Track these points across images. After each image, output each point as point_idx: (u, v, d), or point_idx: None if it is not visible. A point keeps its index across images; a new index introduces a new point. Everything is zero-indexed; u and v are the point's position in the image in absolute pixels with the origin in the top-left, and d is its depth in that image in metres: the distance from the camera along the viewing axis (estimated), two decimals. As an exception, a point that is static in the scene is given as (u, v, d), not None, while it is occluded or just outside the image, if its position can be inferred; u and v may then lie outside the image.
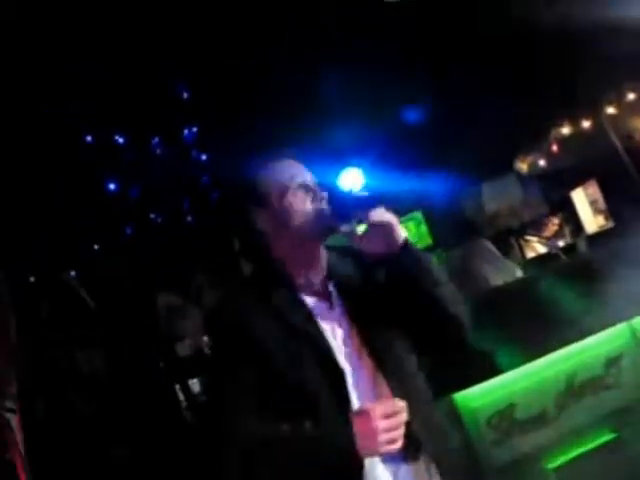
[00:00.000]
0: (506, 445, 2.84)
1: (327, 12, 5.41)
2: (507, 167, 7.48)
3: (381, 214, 1.70)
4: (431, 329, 1.79)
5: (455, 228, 5.33)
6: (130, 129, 6.05)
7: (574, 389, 2.99)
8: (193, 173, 6.22)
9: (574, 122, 6.54)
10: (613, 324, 3.19)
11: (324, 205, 1.77)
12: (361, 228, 1.73)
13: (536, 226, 7.53)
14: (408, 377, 1.73)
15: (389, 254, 1.71)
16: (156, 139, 6.13)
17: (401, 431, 1.54)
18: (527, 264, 6.97)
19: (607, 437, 2.96)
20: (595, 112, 6.34)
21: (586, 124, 6.46)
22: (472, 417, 2.85)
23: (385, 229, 1.70)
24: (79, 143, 5.89)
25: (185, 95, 6.00)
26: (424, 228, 8.17)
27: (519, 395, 2.92)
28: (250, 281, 1.90)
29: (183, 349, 5.57)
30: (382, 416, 1.52)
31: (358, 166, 7.24)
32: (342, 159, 7.04)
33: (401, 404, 1.56)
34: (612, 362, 3.10)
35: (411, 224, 8.05)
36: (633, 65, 5.72)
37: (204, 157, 6.24)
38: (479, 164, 7.05)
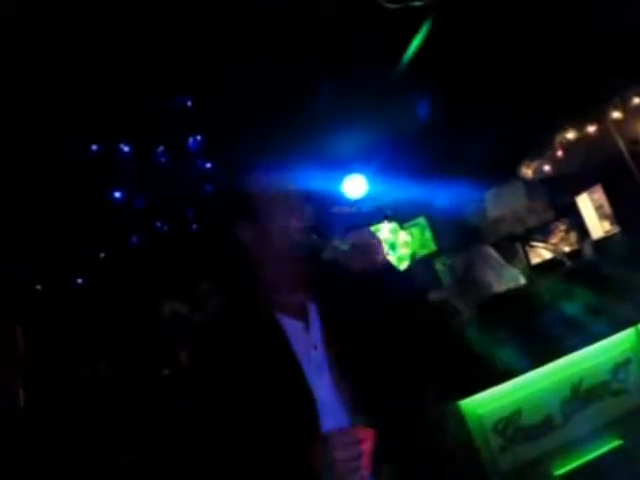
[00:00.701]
0: (512, 451, 2.83)
1: (328, 18, 5.42)
2: (512, 173, 7.46)
3: (362, 235, 1.70)
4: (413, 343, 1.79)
5: (459, 234, 5.34)
6: (135, 138, 6.06)
7: (580, 395, 2.98)
8: (198, 182, 6.23)
9: (579, 127, 6.52)
10: (620, 329, 3.18)
11: (309, 222, 1.76)
12: (344, 246, 1.72)
13: (541, 232, 7.51)
14: (381, 400, 1.69)
15: (370, 272, 1.71)
16: (161, 148, 6.14)
17: (361, 461, 1.50)
18: (532, 270, 6.96)
19: (613, 444, 2.94)
20: (600, 117, 6.32)
21: (591, 129, 6.44)
22: (478, 423, 2.84)
23: (366, 249, 1.70)
24: (84, 152, 5.91)
25: (189, 104, 6.01)
26: (428, 234, 8.16)
27: (525, 401, 2.90)
28: (232, 298, 1.88)
29: (186, 358, 5.57)
30: (341, 446, 1.49)
31: (362, 173, 7.25)
32: (345, 166, 7.05)
33: (365, 433, 1.52)
34: (619, 367, 3.09)
35: (415, 230, 8.03)
36: (638, 68, 5.71)
37: (208, 166, 6.25)
38: (483, 170, 7.04)
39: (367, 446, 1.51)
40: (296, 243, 1.73)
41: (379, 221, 1.57)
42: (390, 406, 1.70)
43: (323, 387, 1.68)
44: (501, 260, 4.65)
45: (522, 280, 4.65)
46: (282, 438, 1.58)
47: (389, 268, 1.75)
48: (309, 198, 1.81)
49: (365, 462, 1.50)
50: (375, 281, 1.72)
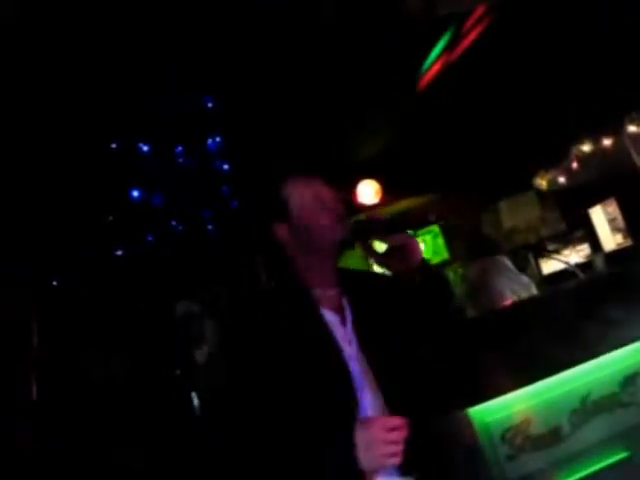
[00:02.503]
0: (519, 460, 2.85)
1: (347, 22, 5.46)
2: (526, 183, 7.48)
3: (400, 237, 1.75)
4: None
5: (472, 243, 5.36)
6: (154, 137, 6.11)
7: (589, 406, 3.00)
8: (215, 183, 6.28)
9: (595, 140, 6.53)
10: (630, 342, 3.20)
11: (343, 221, 1.81)
12: (381, 246, 1.77)
13: (554, 243, 7.52)
14: (409, 396, 1.76)
15: (406, 272, 1.75)
16: (180, 148, 6.19)
17: (401, 446, 1.57)
18: (544, 280, 6.97)
19: (620, 456, 2.96)
20: (616, 130, 6.33)
21: (607, 142, 6.45)
22: (486, 431, 2.87)
23: (404, 251, 1.75)
24: (104, 150, 5.97)
25: (210, 105, 6.06)
26: (441, 241, 8.17)
27: (534, 411, 2.93)
28: (270, 294, 1.94)
29: (200, 356, 5.61)
30: (384, 428, 1.56)
31: (375, 179, 7.28)
32: (361, 171, 7.08)
33: (403, 420, 1.59)
34: (628, 380, 3.11)
35: (428, 237, 8.06)
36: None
37: (227, 167, 6.29)
38: (498, 180, 7.06)
39: (404, 433, 1.58)
40: (332, 240, 1.78)
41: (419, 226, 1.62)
42: (417, 408, 1.76)
43: (356, 378, 1.74)
44: (515, 270, 4.67)
45: (534, 290, 4.67)
46: (323, 419, 1.66)
47: (428, 268, 1.80)
48: (345, 200, 1.87)
49: (400, 449, 1.57)
50: (412, 281, 1.77)
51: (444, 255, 8.12)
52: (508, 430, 2.87)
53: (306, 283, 1.84)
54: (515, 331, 3.05)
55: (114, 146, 6.09)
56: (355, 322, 1.82)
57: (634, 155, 6.32)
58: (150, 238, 6.16)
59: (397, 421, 1.58)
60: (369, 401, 1.73)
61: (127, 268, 6.11)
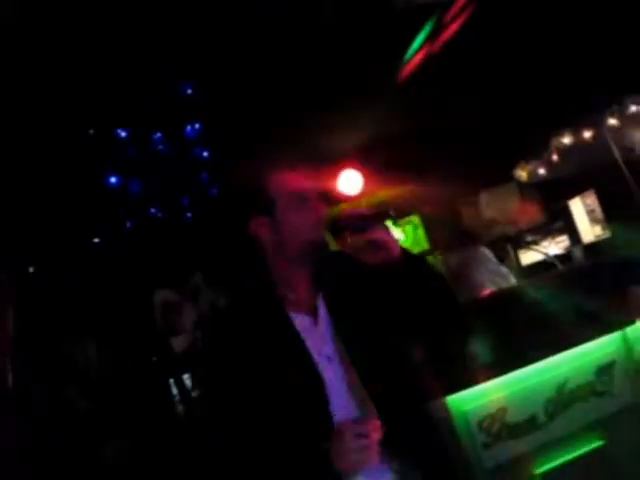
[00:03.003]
0: (496, 448, 2.86)
1: (328, 11, 5.43)
2: (506, 175, 7.51)
3: (377, 234, 1.73)
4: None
5: (452, 233, 5.37)
6: (132, 123, 6.06)
7: (564, 395, 3.02)
8: (194, 170, 6.24)
9: (576, 132, 6.56)
10: (606, 332, 3.22)
11: (324, 218, 1.79)
12: (359, 242, 1.75)
13: (533, 234, 7.57)
14: (389, 389, 1.74)
15: (385, 265, 1.74)
16: (158, 134, 6.14)
17: (373, 449, 1.56)
18: (523, 271, 7.01)
19: (594, 444, 2.98)
20: (597, 123, 6.36)
21: (587, 135, 6.47)
22: (464, 420, 2.87)
23: (380, 246, 1.73)
24: (80, 136, 5.90)
25: (189, 91, 6.01)
26: (421, 232, 8.19)
27: (511, 399, 2.94)
28: (243, 294, 1.91)
29: (178, 344, 5.60)
30: (353, 436, 1.55)
31: (357, 169, 7.27)
32: (342, 162, 7.06)
33: (375, 423, 1.58)
34: (604, 369, 3.13)
35: (408, 228, 8.07)
36: (637, 77, 5.75)
37: (206, 154, 6.25)
38: (478, 170, 7.07)
39: (377, 437, 1.57)
40: (310, 240, 1.76)
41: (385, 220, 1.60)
42: (397, 400, 1.75)
43: (333, 380, 1.72)
44: (495, 260, 4.68)
45: (513, 281, 4.69)
46: (295, 427, 1.64)
47: (406, 259, 1.78)
48: (324, 197, 1.84)
49: (374, 452, 1.57)
50: (392, 275, 1.75)
51: (424, 245, 8.14)
52: (485, 418, 2.88)
53: (278, 283, 1.82)
54: (492, 321, 3.06)
55: (91, 132, 6.03)
56: (332, 321, 1.80)
57: (613, 148, 6.35)
58: (128, 225, 6.11)
59: (367, 426, 1.57)
60: (344, 401, 1.72)
61: (105, 255, 6.07)
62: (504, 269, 4.79)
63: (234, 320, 1.80)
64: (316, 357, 1.73)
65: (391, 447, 1.65)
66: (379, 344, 1.77)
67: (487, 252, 4.76)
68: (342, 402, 1.71)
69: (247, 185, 1.91)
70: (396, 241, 1.76)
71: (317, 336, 1.77)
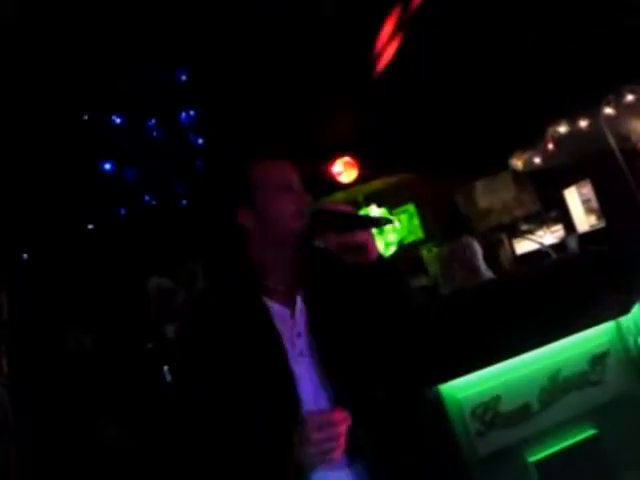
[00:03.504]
0: (489, 436, 2.86)
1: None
2: (502, 164, 7.50)
3: (359, 236, 1.72)
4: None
5: (447, 222, 5.37)
6: (127, 109, 6.03)
7: (558, 384, 3.02)
8: (189, 157, 6.22)
9: (571, 121, 6.54)
10: (601, 322, 3.22)
11: (307, 209, 1.78)
12: (338, 240, 1.73)
13: (528, 223, 7.57)
14: (359, 387, 1.74)
15: (363, 265, 1.73)
16: (153, 121, 6.11)
17: (337, 442, 1.53)
18: (517, 260, 7.02)
19: (587, 433, 2.99)
20: (593, 112, 6.35)
21: (583, 124, 6.46)
22: (457, 408, 2.88)
23: (360, 247, 1.72)
24: (76, 121, 5.87)
25: (184, 78, 5.98)
26: (416, 221, 8.19)
27: (504, 388, 2.94)
28: (220, 282, 1.90)
29: (172, 331, 5.59)
30: (316, 428, 1.53)
31: (352, 157, 7.27)
32: (336, 150, 7.06)
33: (341, 415, 1.55)
34: (597, 359, 3.13)
35: (403, 217, 8.07)
36: (633, 66, 5.74)
37: (200, 141, 6.23)
38: (474, 160, 7.07)
39: (342, 428, 1.54)
40: (292, 230, 1.75)
41: (375, 224, 1.59)
42: (370, 395, 1.75)
43: (304, 373, 1.72)
44: (477, 255, 4.64)
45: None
46: (263, 419, 1.63)
47: (382, 264, 1.78)
48: (309, 187, 1.83)
49: (340, 443, 1.54)
50: (367, 275, 1.75)
51: (419, 234, 8.14)
52: (478, 407, 2.88)
53: (259, 272, 1.80)
54: (486, 309, 3.06)
55: (86, 118, 6.00)
56: (309, 314, 1.79)
57: (609, 137, 6.34)
58: (122, 212, 6.10)
59: (332, 417, 1.54)
60: (313, 394, 1.71)
61: (99, 242, 6.06)
62: (483, 266, 4.77)
63: (209, 306, 1.78)
64: (289, 349, 1.72)
65: (357, 445, 1.63)
66: (351, 345, 1.76)
67: (472, 244, 4.74)
68: (312, 397, 1.70)
69: (230, 173, 1.90)
70: (375, 244, 1.76)
71: (292, 328, 1.76)
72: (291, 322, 1.77)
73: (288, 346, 1.72)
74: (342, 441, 1.54)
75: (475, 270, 4.31)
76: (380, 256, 1.78)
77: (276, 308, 1.77)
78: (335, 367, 1.72)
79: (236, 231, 1.82)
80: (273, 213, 1.77)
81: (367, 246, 1.73)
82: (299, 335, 1.75)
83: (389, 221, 1.79)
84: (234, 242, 1.84)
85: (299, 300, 1.80)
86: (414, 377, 2.64)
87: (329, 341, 1.74)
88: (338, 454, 1.55)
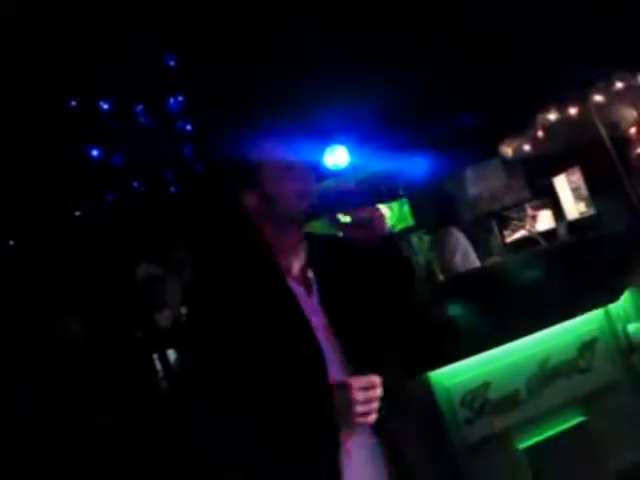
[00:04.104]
0: (478, 424, 2.87)
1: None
2: (492, 151, 7.49)
3: (368, 211, 1.72)
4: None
5: (438, 210, 5.34)
6: (115, 95, 5.98)
7: (547, 371, 3.03)
8: (177, 143, 6.18)
9: (561, 109, 6.53)
10: (588, 309, 3.23)
11: (313, 188, 1.78)
12: (346, 218, 1.74)
13: (517, 210, 7.58)
14: (373, 365, 1.73)
15: (371, 244, 1.73)
16: (140, 106, 6.06)
17: (376, 405, 1.59)
18: (506, 247, 7.03)
19: (577, 420, 3.01)
20: (582, 99, 6.34)
21: (573, 111, 6.45)
22: (446, 395, 2.88)
23: (368, 223, 1.72)
24: (63, 107, 5.82)
25: (172, 63, 5.94)
26: (406, 208, 8.18)
27: (493, 375, 2.95)
28: (233, 262, 1.86)
29: (162, 319, 5.56)
30: (360, 388, 1.57)
31: (344, 144, 7.24)
32: (328, 137, 7.02)
33: (377, 379, 1.61)
34: (586, 346, 3.15)
35: (394, 204, 8.05)
36: (623, 53, 5.74)
37: (189, 127, 6.19)
38: (464, 147, 7.06)
39: (379, 392, 1.60)
40: (301, 209, 1.75)
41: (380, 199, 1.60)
42: (383, 371, 1.73)
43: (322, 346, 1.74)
44: (463, 245, 4.61)
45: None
46: (294, 394, 1.64)
47: (391, 241, 1.79)
48: (314, 167, 1.83)
49: (376, 407, 1.60)
50: (377, 252, 1.76)
51: (409, 222, 8.13)
52: (467, 394, 2.89)
53: (272, 254, 1.80)
54: (476, 297, 3.05)
55: (73, 104, 5.94)
56: (321, 292, 1.80)
57: (599, 125, 6.34)
58: (110, 198, 6.06)
59: (371, 379, 1.60)
60: (335, 371, 1.71)
61: (86, 228, 6.02)
62: (471, 256, 4.76)
63: (227, 286, 1.75)
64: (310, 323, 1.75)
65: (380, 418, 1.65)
66: (363, 321, 1.77)
67: (457, 235, 4.72)
68: (333, 370, 1.71)
69: (231, 156, 1.89)
70: (383, 219, 1.76)
71: (310, 306, 1.77)
72: (308, 299, 1.78)
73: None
74: (376, 406, 1.60)
75: (451, 267, 4.29)
76: (390, 232, 1.79)
77: (295, 287, 1.78)
78: (349, 343, 1.75)
79: (244, 215, 1.81)
80: (280, 193, 1.76)
81: (374, 222, 1.73)
82: (315, 312, 1.77)
83: (395, 197, 1.79)
84: (243, 226, 1.83)
85: (313, 277, 1.81)
86: (410, 360, 2.64)
87: (342, 318, 1.76)
88: (373, 418, 1.60)
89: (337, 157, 7.23)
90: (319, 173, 1.84)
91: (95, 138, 6.02)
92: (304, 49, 5.73)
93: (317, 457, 1.64)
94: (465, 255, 4.39)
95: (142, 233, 6.01)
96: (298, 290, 1.78)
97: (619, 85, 6.08)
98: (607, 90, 6.13)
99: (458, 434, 2.86)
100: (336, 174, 7.14)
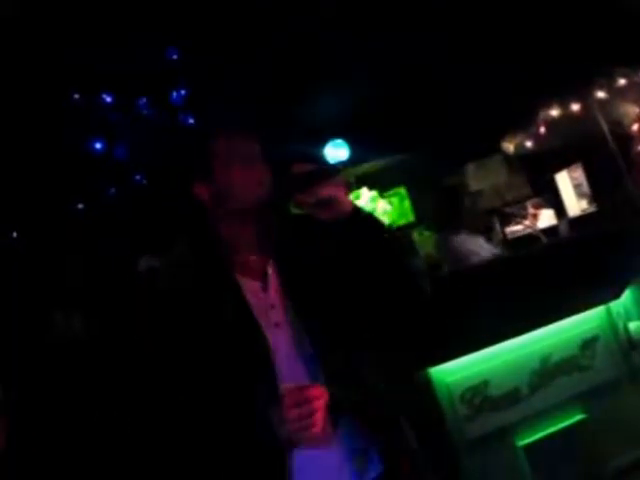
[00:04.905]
0: (478, 420, 2.87)
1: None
2: (493, 147, 7.48)
3: (328, 189, 1.64)
4: (388, 294, 1.77)
5: (439, 206, 5.33)
6: (118, 88, 5.97)
7: (548, 369, 3.03)
8: (179, 136, 6.16)
9: (563, 105, 6.52)
10: (591, 307, 3.23)
11: (265, 178, 1.72)
12: (309, 200, 1.68)
13: (519, 207, 7.56)
14: (340, 358, 1.68)
15: (338, 221, 1.67)
16: (143, 100, 6.05)
17: (316, 417, 1.49)
18: (508, 244, 7.02)
19: (576, 418, 3.01)
20: (585, 96, 6.32)
21: (575, 108, 6.44)
22: (446, 391, 2.89)
23: (330, 202, 1.67)
24: (66, 100, 5.81)
25: (174, 57, 5.92)
26: (407, 204, 8.18)
27: (494, 372, 2.95)
28: (185, 258, 1.81)
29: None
30: (293, 405, 1.48)
31: (345, 138, 7.23)
32: (329, 131, 7.02)
33: (318, 390, 1.51)
34: (587, 344, 3.15)
35: (395, 199, 8.06)
36: (625, 50, 5.72)
37: (191, 121, 6.17)
38: (466, 143, 7.05)
39: (320, 404, 1.49)
40: (253, 201, 1.70)
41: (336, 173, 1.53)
42: (352, 368, 1.69)
43: (281, 345, 1.66)
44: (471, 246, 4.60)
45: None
46: (239, 396, 1.59)
47: (358, 216, 1.70)
48: (270, 157, 1.78)
49: (318, 420, 1.49)
50: (343, 229, 1.68)
51: (409, 217, 8.13)
52: (468, 390, 2.89)
53: (225, 248, 1.74)
54: (478, 292, 3.05)
55: (77, 96, 5.94)
56: (286, 285, 1.73)
57: (601, 121, 6.33)
58: (112, 191, 6.05)
59: (309, 393, 1.49)
60: (294, 370, 1.65)
61: (88, 221, 6.01)
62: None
63: (173, 282, 1.71)
64: (263, 321, 1.66)
65: (344, 419, 1.60)
66: (335, 311, 1.70)
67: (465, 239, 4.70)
68: (292, 371, 1.65)
69: (186, 146, 1.86)
70: (347, 196, 1.69)
71: (265, 302, 1.70)
72: (263, 294, 1.71)
73: (262, 319, 1.66)
74: (320, 418, 1.49)
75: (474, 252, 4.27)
76: (355, 208, 1.71)
77: (246, 282, 1.71)
78: (315, 336, 1.66)
79: (196, 206, 1.76)
80: (232, 185, 1.71)
81: (336, 199, 1.66)
82: (273, 307, 1.70)
83: (337, 168, 1.72)
84: (195, 218, 1.79)
85: (270, 271, 1.75)
86: (406, 352, 2.61)
87: (306, 309, 1.69)
88: (316, 431, 1.49)
89: (337, 151, 7.23)
90: (279, 165, 1.79)
91: (98, 131, 6.01)
92: (305, 41, 5.72)
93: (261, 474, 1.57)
94: (468, 258, 4.38)
95: (143, 226, 5.99)
96: (252, 286, 1.72)
97: (621, 82, 6.07)
98: (609, 87, 6.12)
99: (458, 431, 2.86)
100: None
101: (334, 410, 1.55)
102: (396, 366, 2.10)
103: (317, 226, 1.71)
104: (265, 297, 1.71)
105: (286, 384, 1.56)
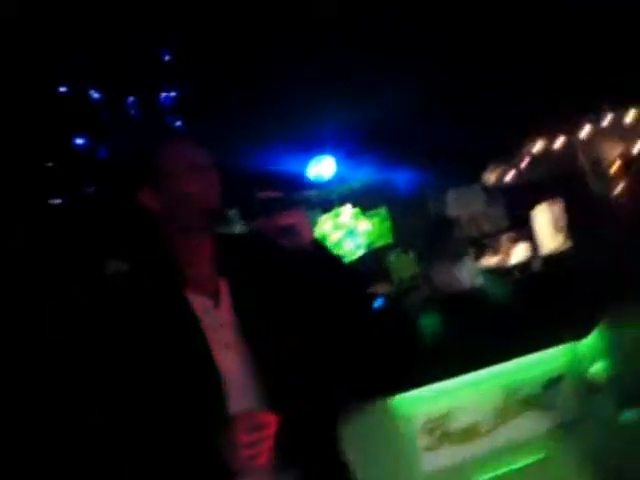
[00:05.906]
0: (437, 453, 2.86)
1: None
2: (475, 176, 7.52)
3: (289, 217, 1.62)
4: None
5: (417, 230, 5.36)
6: (107, 85, 5.91)
7: (511, 405, 3.03)
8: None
9: (547, 140, 6.57)
10: (557, 344, 3.23)
11: (214, 192, 1.68)
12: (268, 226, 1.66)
13: (494, 239, 7.58)
14: (291, 384, 1.63)
15: (298, 251, 1.65)
16: (132, 99, 6.00)
17: (265, 445, 1.46)
18: (481, 274, 7.03)
19: (534, 457, 3.00)
20: (569, 133, 6.38)
21: (558, 144, 6.49)
22: (407, 421, 2.86)
23: (291, 230, 1.63)
24: (52, 93, 5.75)
25: (167, 58, 5.89)
26: (387, 225, 8.17)
27: (456, 405, 2.94)
28: (133, 272, 1.78)
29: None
30: (244, 430, 1.45)
31: (331, 155, 7.22)
32: (315, 147, 7.02)
33: (269, 417, 1.48)
34: (552, 382, 3.15)
35: (375, 219, 8.04)
36: (611, 89, 5.79)
37: (179, 124, 6.13)
38: (448, 169, 7.09)
39: (271, 431, 1.46)
40: (203, 210, 1.65)
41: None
42: (301, 392, 1.64)
43: (231, 366, 1.61)
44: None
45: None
46: (185, 420, 1.54)
47: (316, 248, 1.69)
48: (223, 172, 1.73)
49: (268, 446, 1.46)
50: (300, 260, 1.66)
51: (388, 239, 8.12)
52: (429, 422, 2.87)
53: (174, 262, 1.69)
54: (446, 322, 3.05)
55: (63, 90, 5.88)
56: (235, 303, 1.69)
57: (583, 159, 6.39)
58: (91, 189, 5.97)
59: (260, 419, 1.47)
60: (244, 392, 1.60)
61: (63, 218, 5.93)
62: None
63: (127, 293, 1.66)
64: (213, 341, 1.61)
65: (288, 447, 1.54)
66: (283, 334, 1.66)
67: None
68: (241, 393, 1.60)
69: (132, 154, 1.82)
70: (308, 226, 1.66)
71: (216, 320, 1.65)
72: (214, 313, 1.66)
73: (212, 338, 1.61)
74: (268, 445, 1.46)
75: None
76: (314, 240, 1.68)
77: (196, 299, 1.66)
78: (264, 359, 1.62)
79: (145, 214, 1.69)
80: (180, 193, 1.65)
81: (296, 229, 1.63)
82: (222, 325, 1.65)
83: (300, 198, 1.67)
84: (144, 227, 1.75)
85: (223, 289, 1.70)
86: (360, 383, 2.57)
87: (255, 330, 1.64)
88: (264, 459, 1.46)
89: (322, 168, 7.22)
90: (246, 186, 1.75)
91: (81, 127, 5.94)
92: (296, 58, 5.72)
93: None
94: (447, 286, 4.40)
95: (115, 229, 5.92)
96: (204, 303, 1.66)
97: (605, 122, 6.14)
98: (594, 125, 6.18)
99: (416, 461, 2.84)
100: (318, 187, 7.12)
101: (279, 439, 1.49)
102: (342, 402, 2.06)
103: (273, 247, 1.68)
104: (216, 315, 1.66)
105: (238, 409, 1.53)
